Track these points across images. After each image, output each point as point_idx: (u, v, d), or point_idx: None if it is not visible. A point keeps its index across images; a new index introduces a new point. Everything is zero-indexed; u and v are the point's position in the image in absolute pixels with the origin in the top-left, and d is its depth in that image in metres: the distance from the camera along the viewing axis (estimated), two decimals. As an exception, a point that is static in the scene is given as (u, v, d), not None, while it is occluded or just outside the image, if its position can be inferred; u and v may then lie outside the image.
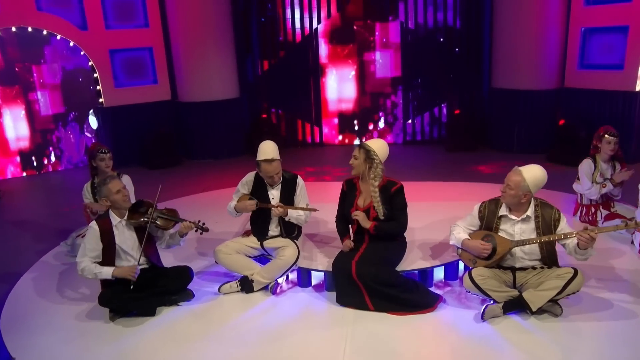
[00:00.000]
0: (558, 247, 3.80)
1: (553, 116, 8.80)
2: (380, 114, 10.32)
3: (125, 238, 3.99)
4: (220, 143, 9.72)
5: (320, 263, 4.33)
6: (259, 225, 4.41)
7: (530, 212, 3.73)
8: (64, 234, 5.69)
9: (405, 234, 4.27)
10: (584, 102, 8.47)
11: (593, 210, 5.29)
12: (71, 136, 9.41)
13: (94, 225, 3.93)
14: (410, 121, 10.26)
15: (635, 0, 7.62)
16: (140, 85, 9.53)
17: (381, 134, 10.33)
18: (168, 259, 4.54)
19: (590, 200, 5.29)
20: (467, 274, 3.79)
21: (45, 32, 8.62)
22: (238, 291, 4.29)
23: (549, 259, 3.74)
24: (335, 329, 3.74)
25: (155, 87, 9.69)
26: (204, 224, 4.09)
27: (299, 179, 4.46)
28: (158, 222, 4.02)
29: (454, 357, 3.42)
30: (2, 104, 8.69)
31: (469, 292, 3.82)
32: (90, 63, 9.03)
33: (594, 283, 4.15)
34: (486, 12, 9.43)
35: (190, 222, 4.06)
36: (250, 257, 4.39)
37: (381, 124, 10.37)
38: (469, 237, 3.86)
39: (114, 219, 3.98)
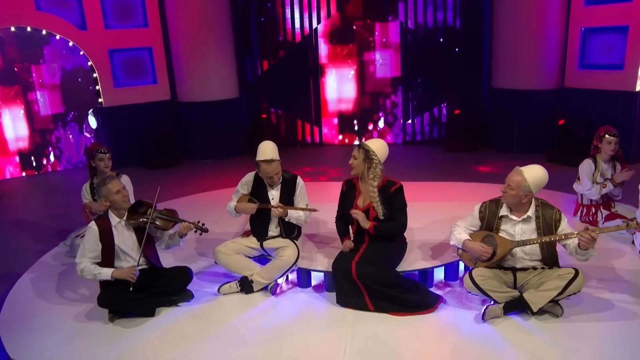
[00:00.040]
0: (559, 248, 3.79)
1: (553, 116, 8.79)
2: (380, 114, 10.31)
3: (125, 238, 3.98)
4: (219, 143, 9.71)
5: (320, 263, 4.32)
6: (258, 226, 4.40)
7: (531, 212, 3.72)
8: (63, 234, 5.68)
9: (405, 234, 4.26)
10: (584, 102, 8.46)
11: (593, 210, 5.28)
12: (70, 136, 9.39)
13: (93, 225, 3.92)
14: (410, 121, 10.25)
15: (635, 0, 7.61)
16: (139, 85, 9.52)
17: (381, 134, 10.33)
18: (167, 260, 4.53)
19: (591, 200, 5.28)
20: (467, 274, 3.78)
21: (44, 32, 8.61)
22: (238, 292, 4.27)
23: (550, 259, 3.73)
24: (335, 330, 3.73)
25: (155, 87, 9.68)
26: (203, 224, 4.08)
27: (299, 179, 4.45)
28: (157, 223, 4.01)
29: (455, 357, 3.42)
30: (2, 104, 8.67)
31: (470, 292, 3.81)
32: (89, 63, 9.02)
33: (594, 283, 4.14)
34: (486, 12, 9.42)
35: (189, 222, 4.05)
36: (249, 257, 4.38)
37: (381, 124, 10.36)
38: (469, 238, 3.84)
39: (113, 219, 3.96)
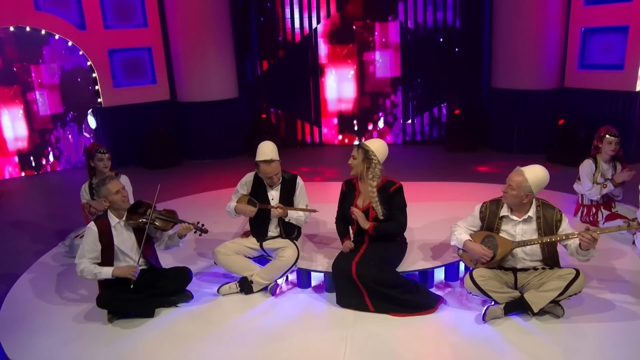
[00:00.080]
0: (559, 248, 3.78)
1: (553, 116, 8.78)
2: (380, 114, 10.30)
3: (124, 239, 3.96)
4: (219, 143, 9.69)
5: (320, 264, 4.31)
6: (258, 226, 4.39)
7: (531, 212, 3.71)
8: (62, 234, 5.67)
9: (405, 235, 4.25)
10: (584, 102, 8.45)
11: (594, 210, 5.27)
12: (70, 136, 9.38)
13: (92, 226, 3.90)
14: (409, 121, 10.23)
15: (635, 0, 7.60)
16: (139, 85, 9.50)
17: (381, 134, 10.32)
18: (167, 260, 4.52)
19: (591, 200, 5.27)
20: (468, 274, 3.77)
21: (43, 32, 8.59)
22: (237, 292, 4.26)
23: (551, 259, 3.72)
24: (335, 330, 3.71)
25: (154, 87, 9.66)
26: (202, 225, 4.06)
27: (299, 180, 4.43)
28: (157, 223, 3.99)
29: (455, 358, 3.41)
30: (1, 104, 8.66)
31: (470, 293, 3.80)
32: (88, 63, 9.00)
33: (595, 284, 4.13)
34: (486, 12, 9.41)
35: (189, 223, 4.04)
36: (249, 258, 4.37)
37: (381, 124, 10.35)
38: (470, 238, 3.83)
39: (113, 219, 3.95)
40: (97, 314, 3.98)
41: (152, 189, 4.15)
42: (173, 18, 9.27)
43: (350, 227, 4.26)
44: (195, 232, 4.06)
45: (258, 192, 4.35)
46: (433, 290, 4.17)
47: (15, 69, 8.66)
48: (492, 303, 3.72)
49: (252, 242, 4.39)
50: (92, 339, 3.73)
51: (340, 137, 10.51)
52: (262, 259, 4.43)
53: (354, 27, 9.92)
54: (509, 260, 3.78)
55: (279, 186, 4.34)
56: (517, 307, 3.70)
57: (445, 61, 9.74)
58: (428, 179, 7.36)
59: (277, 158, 4.22)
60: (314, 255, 4.48)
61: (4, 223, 6.63)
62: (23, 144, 8.97)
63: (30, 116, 8.92)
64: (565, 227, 3.68)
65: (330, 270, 4.08)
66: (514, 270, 3.79)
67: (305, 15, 9.83)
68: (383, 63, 10.04)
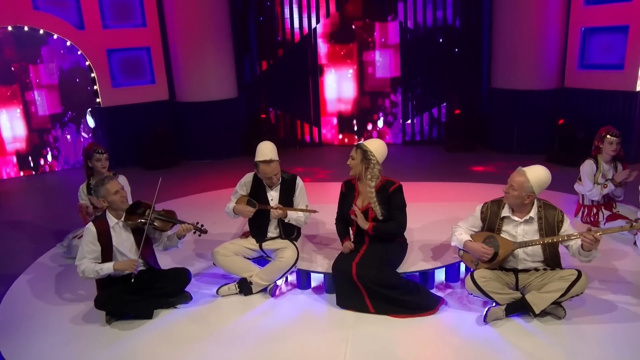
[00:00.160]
0: (561, 249, 3.75)
1: (553, 116, 8.77)
2: (380, 114, 10.28)
3: (123, 240, 3.94)
4: (218, 143, 9.66)
5: (320, 265, 4.29)
6: (257, 227, 4.36)
7: (533, 213, 3.69)
8: (60, 235, 5.65)
9: (405, 235, 4.23)
10: (583, 102, 8.43)
11: (595, 211, 5.25)
12: (68, 136, 9.35)
13: (90, 226, 3.88)
14: (409, 121, 10.22)
15: (635, 0, 7.59)
16: (137, 85, 9.47)
17: (380, 134, 10.30)
18: (165, 261, 4.50)
19: (592, 201, 5.25)
20: (469, 275, 3.75)
21: (42, 32, 8.56)
22: (236, 293, 4.24)
23: (552, 260, 3.69)
24: (335, 332, 3.69)
25: (153, 87, 9.64)
26: (202, 225, 4.04)
27: (298, 180, 4.41)
28: (156, 224, 3.97)
29: (456, 360, 3.38)
30: (-1, 104, 8.65)
31: (471, 294, 3.78)
32: (87, 63, 8.98)
33: (597, 285, 4.11)
34: (485, 12, 9.40)
35: (188, 224, 4.02)
36: (248, 258, 4.35)
37: (380, 124, 10.33)
38: (471, 239, 3.81)
39: (111, 220, 3.92)
40: (95, 315, 3.96)
41: (151, 190, 4.13)
42: (172, 18, 9.25)
43: (350, 227, 4.24)
44: (194, 233, 4.04)
45: (257, 193, 4.32)
46: (434, 291, 4.15)
47: (13, 69, 8.63)
48: (493, 304, 3.70)
49: (251, 242, 4.37)
50: (91, 341, 3.71)
51: (339, 137, 10.48)
52: (262, 260, 4.40)
53: (354, 27, 9.90)
54: (510, 261, 3.76)
55: (279, 187, 4.32)
56: (519, 308, 3.68)
57: (445, 61, 9.72)
58: (428, 179, 7.35)
59: (277, 158, 4.20)
60: (313, 256, 4.46)
61: (2, 223, 6.60)
62: (21, 144, 8.94)
63: (29, 116, 8.89)
64: (567, 227, 3.66)
65: (330, 271, 4.06)
66: (515, 271, 3.77)
67: (305, 15, 9.81)
68: (383, 63, 10.02)
